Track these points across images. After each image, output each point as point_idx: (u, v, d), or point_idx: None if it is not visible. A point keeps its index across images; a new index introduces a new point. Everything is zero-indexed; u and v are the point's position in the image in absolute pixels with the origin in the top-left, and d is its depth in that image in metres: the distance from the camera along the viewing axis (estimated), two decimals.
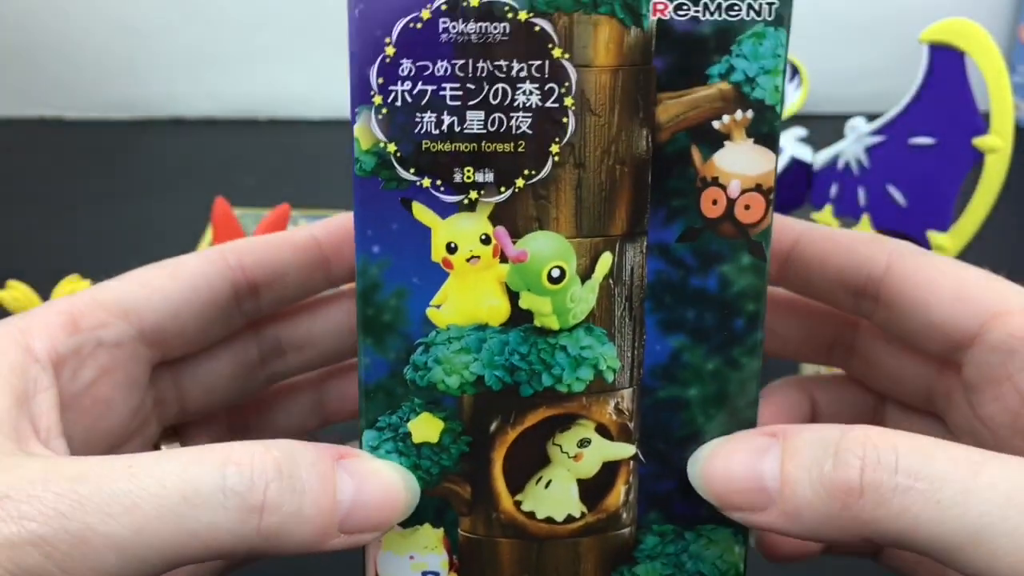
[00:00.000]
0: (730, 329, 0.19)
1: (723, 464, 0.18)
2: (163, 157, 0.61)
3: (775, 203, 0.18)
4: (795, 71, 0.42)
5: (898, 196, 0.38)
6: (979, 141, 0.35)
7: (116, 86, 0.62)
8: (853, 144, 0.39)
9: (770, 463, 0.17)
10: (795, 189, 0.41)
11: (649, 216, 0.18)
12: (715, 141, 0.18)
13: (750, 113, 0.18)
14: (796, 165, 0.41)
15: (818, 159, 0.41)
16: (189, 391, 0.23)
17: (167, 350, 0.21)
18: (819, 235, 0.21)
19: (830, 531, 0.16)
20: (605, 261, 0.18)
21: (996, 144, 0.34)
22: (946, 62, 0.35)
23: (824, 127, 0.44)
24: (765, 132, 0.18)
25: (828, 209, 0.40)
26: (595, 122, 0.18)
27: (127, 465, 0.16)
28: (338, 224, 0.23)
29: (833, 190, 0.40)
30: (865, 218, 0.39)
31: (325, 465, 0.17)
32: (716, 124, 0.18)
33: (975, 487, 0.15)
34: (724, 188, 0.18)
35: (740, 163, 0.18)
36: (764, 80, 0.18)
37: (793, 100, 0.42)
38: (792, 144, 0.41)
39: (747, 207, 0.18)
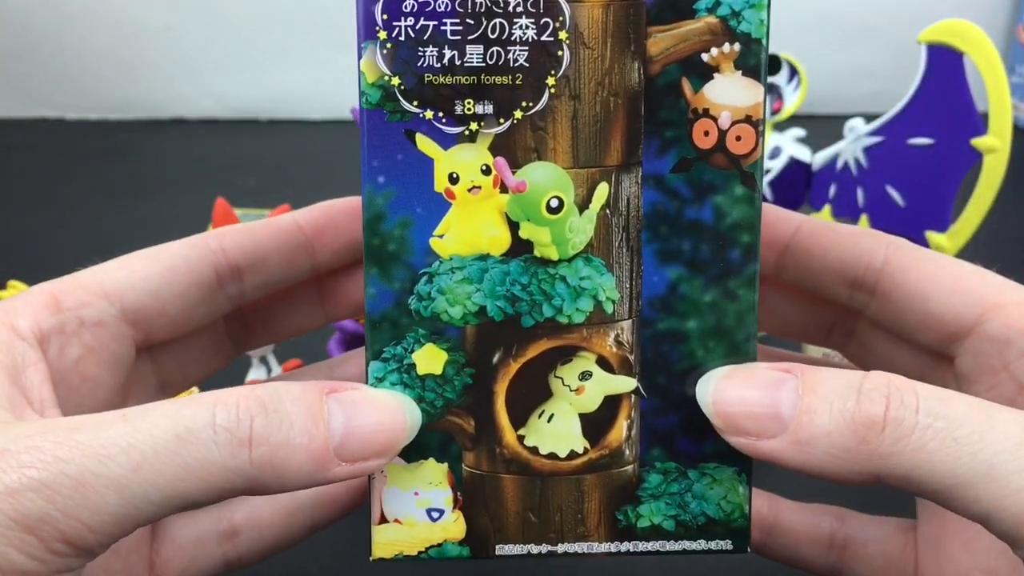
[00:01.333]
0: (726, 260, 0.19)
1: (738, 387, 0.18)
2: (163, 157, 0.62)
3: (764, 134, 0.19)
4: (794, 72, 0.43)
5: (897, 196, 0.38)
6: (977, 142, 0.35)
7: (117, 87, 0.63)
8: (852, 144, 0.39)
9: (788, 393, 0.17)
10: (794, 189, 0.41)
11: (643, 147, 0.19)
12: (705, 73, 0.19)
13: (737, 46, 0.18)
14: (795, 165, 0.41)
15: (817, 159, 0.41)
16: (168, 370, 0.23)
17: (151, 331, 0.21)
18: (818, 226, 0.22)
19: (838, 465, 0.17)
20: (602, 191, 0.19)
21: (994, 145, 0.35)
22: (944, 63, 0.36)
23: (823, 127, 0.45)
24: (752, 64, 0.19)
25: (827, 209, 0.40)
26: (589, 55, 0.18)
27: (121, 414, 0.16)
28: (320, 210, 0.23)
29: (832, 190, 0.40)
30: (864, 218, 0.39)
31: (310, 397, 0.17)
32: (705, 57, 0.19)
33: (990, 428, 0.16)
34: (715, 119, 0.19)
35: (730, 95, 0.19)
36: (750, 14, 0.18)
37: (792, 101, 0.43)
38: (791, 144, 0.42)
39: (738, 138, 0.19)
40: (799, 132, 0.43)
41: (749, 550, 0.20)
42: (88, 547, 0.16)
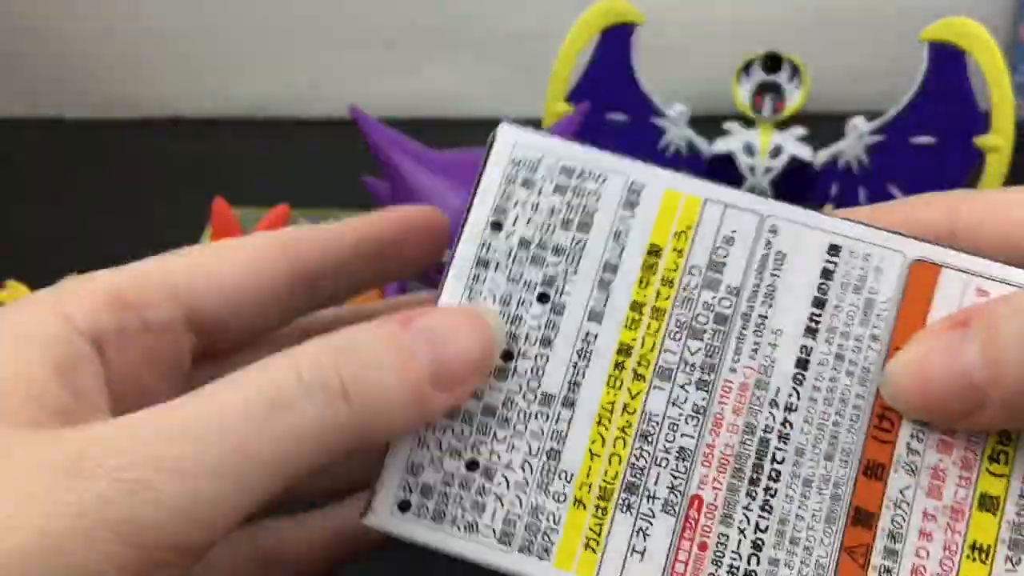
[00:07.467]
0: None
1: (918, 375, 0.16)
2: (163, 157, 0.61)
3: None
4: (795, 70, 0.42)
5: (899, 195, 0.38)
6: (980, 140, 0.35)
7: (116, 86, 0.63)
8: (854, 143, 0.39)
9: (971, 354, 0.15)
10: (795, 188, 0.41)
11: None
12: None
13: None
14: (797, 164, 0.41)
15: (819, 158, 0.41)
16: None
17: (214, 341, 0.19)
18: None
19: None
20: None
21: (997, 143, 0.35)
22: (946, 61, 0.36)
23: (824, 126, 0.44)
24: None
25: (828, 209, 0.40)
26: None
27: (190, 397, 0.14)
28: (398, 220, 0.20)
29: (834, 189, 0.40)
30: None
31: (388, 330, 0.16)
32: None
33: None
34: None
35: None
36: None
37: (793, 99, 0.42)
38: (792, 143, 0.42)
39: None
40: (801, 131, 0.42)
41: None
42: (195, 547, 0.14)
